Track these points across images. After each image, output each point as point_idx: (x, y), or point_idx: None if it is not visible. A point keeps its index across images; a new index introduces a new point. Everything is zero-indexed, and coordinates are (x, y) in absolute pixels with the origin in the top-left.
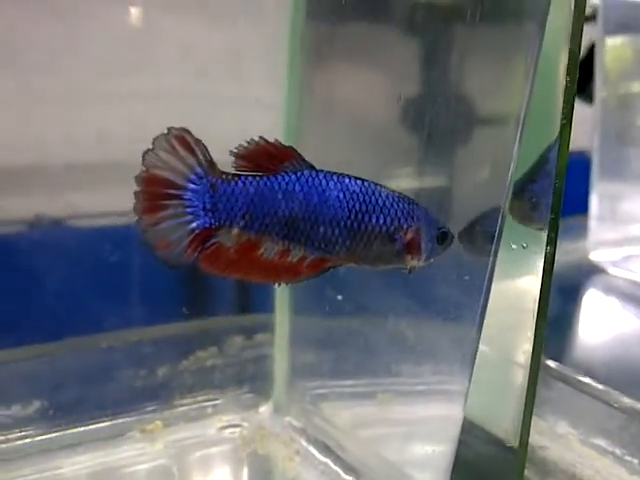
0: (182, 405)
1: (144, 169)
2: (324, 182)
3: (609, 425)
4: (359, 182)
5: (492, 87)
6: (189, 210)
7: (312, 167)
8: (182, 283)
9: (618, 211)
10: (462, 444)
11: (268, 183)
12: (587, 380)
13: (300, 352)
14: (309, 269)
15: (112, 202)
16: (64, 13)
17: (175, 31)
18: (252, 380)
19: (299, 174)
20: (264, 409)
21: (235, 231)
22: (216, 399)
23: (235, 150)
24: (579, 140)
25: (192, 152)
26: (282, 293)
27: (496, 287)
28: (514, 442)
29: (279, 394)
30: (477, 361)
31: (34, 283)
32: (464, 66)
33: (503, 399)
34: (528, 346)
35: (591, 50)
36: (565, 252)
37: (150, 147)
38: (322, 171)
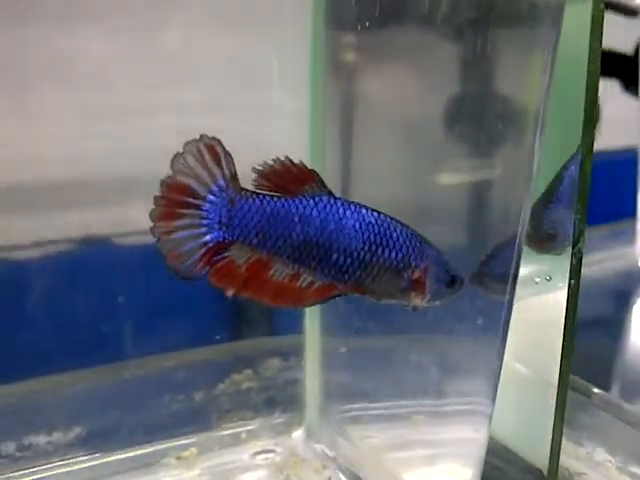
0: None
1: (171, 174)
2: (341, 210)
3: None
4: (375, 214)
5: (514, 86)
6: (205, 222)
7: (331, 193)
8: (215, 305)
9: None
10: (489, 467)
11: (285, 205)
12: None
13: (331, 374)
14: (316, 294)
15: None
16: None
17: (206, 44)
18: (285, 404)
19: (317, 199)
20: (296, 434)
21: (247, 248)
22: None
23: (259, 167)
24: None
25: (218, 163)
26: (312, 314)
27: (519, 314)
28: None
29: (311, 418)
30: (508, 384)
31: (76, 307)
32: (488, 65)
33: (532, 423)
34: (556, 369)
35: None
36: (614, 258)
37: (180, 152)
38: (340, 199)
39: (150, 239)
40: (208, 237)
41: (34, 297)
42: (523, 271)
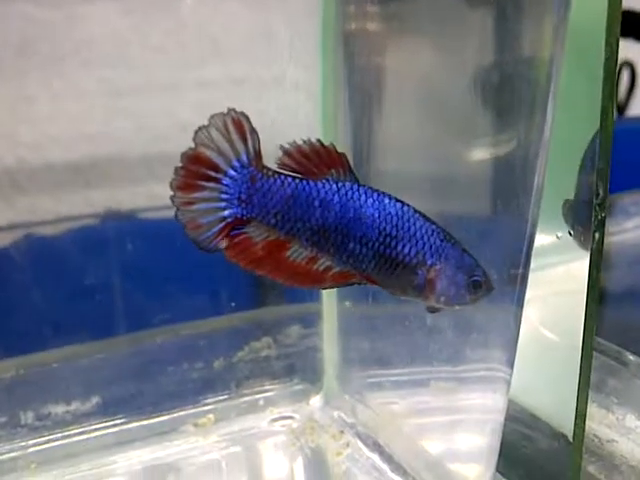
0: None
1: (193, 146)
2: (363, 198)
3: None
4: (398, 205)
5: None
6: (224, 196)
7: (356, 180)
8: (232, 275)
9: None
10: (514, 434)
11: (307, 187)
12: None
13: (349, 341)
14: (334, 279)
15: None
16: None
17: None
18: (303, 371)
19: (340, 184)
20: (314, 400)
21: (265, 227)
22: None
23: (286, 146)
24: None
25: (244, 139)
26: None
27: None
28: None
29: (329, 385)
30: (533, 350)
31: (98, 278)
32: (503, 32)
33: (558, 389)
34: (579, 330)
35: None
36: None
37: (204, 124)
38: (364, 186)
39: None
40: (227, 212)
41: (57, 270)
42: (545, 226)
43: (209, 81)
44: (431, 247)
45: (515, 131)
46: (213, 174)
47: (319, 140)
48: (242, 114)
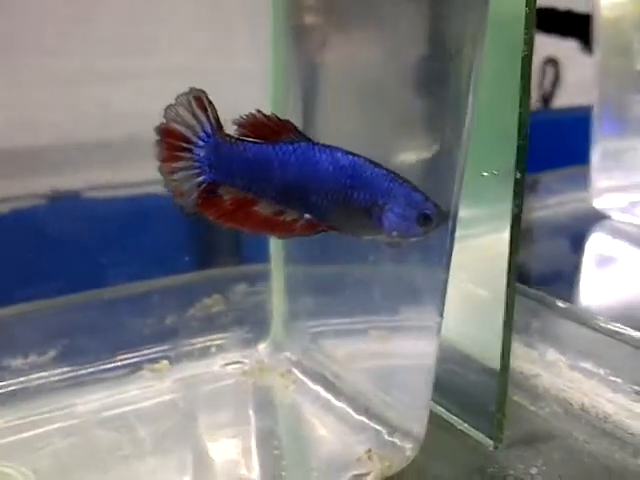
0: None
1: (164, 121)
2: (317, 154)
3: None
4: (350, 157)
5: (448, 38)
6: (197, 164)
7: (309, 140)
8: (186, 239)
9: (620, 159)
10: (448, 374)
11: (265, 151)
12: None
13: (296, 296)
14: (302, 229)
15: (125, 176)
16: None
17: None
18: (252, 323)
19: (296, 145)
20: (263, 346)
21: (234, 189)
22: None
23: (237, 120)
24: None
25: (205, 111)
26: (276, 244)
27: (468, 216)
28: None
29: (276, 333)
30: (459, 296)
31: (52, 247)
32: (425, 19)
33: (483, 326)
34: (503, 272)
35: None
36: (568, 201)
37: (172, 103)
38: (318, 144)
39: (116, 193)
40: (201, 178)
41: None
42: (471, 166)
43: (150, 72)
44: (381, 189)
45: (441, 123)
46: (185, 145)
47: (259, 111)
48: (201, 91)
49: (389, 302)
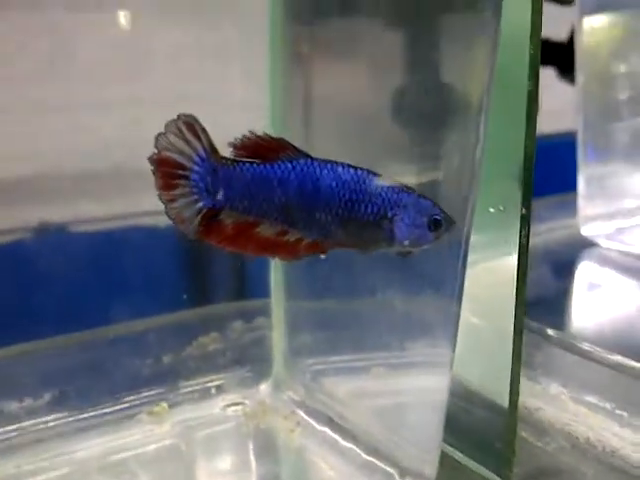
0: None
1: (156, 151)
2: (318, 171)
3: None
4: (352, 171)
5: (458, 74)
6: (194, 190)
7: (308, 156)
8: (182, 274)
9: (606, 186)
10: (454, 410)
11: (264, 170)
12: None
13: (297, 333)
14: (306, 249)
15: (115, 206)
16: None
17: (162, 34)
18: (252, 361)
19: (295, 163)
20: (264, 387)
21: (236, 213)
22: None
23: (233, 142)
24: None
25: (197, 137)
26: (277, 278)
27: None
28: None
29: (278, 372)
30: (464, 330)
31: (43, 284)
32: (435, 54)
33: (492, 364)
34: (511, 309)
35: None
36: (556, 228)
37: (162, 132)
38: (317, 160)
39: (102, 226)
40: (200, 204)
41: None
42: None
43: (142, 99)
44: (389, 201)
45: (451, 154)
46: (181, 172)
47: (252, 131)
48: (190, 116)
49: (398, 337)
